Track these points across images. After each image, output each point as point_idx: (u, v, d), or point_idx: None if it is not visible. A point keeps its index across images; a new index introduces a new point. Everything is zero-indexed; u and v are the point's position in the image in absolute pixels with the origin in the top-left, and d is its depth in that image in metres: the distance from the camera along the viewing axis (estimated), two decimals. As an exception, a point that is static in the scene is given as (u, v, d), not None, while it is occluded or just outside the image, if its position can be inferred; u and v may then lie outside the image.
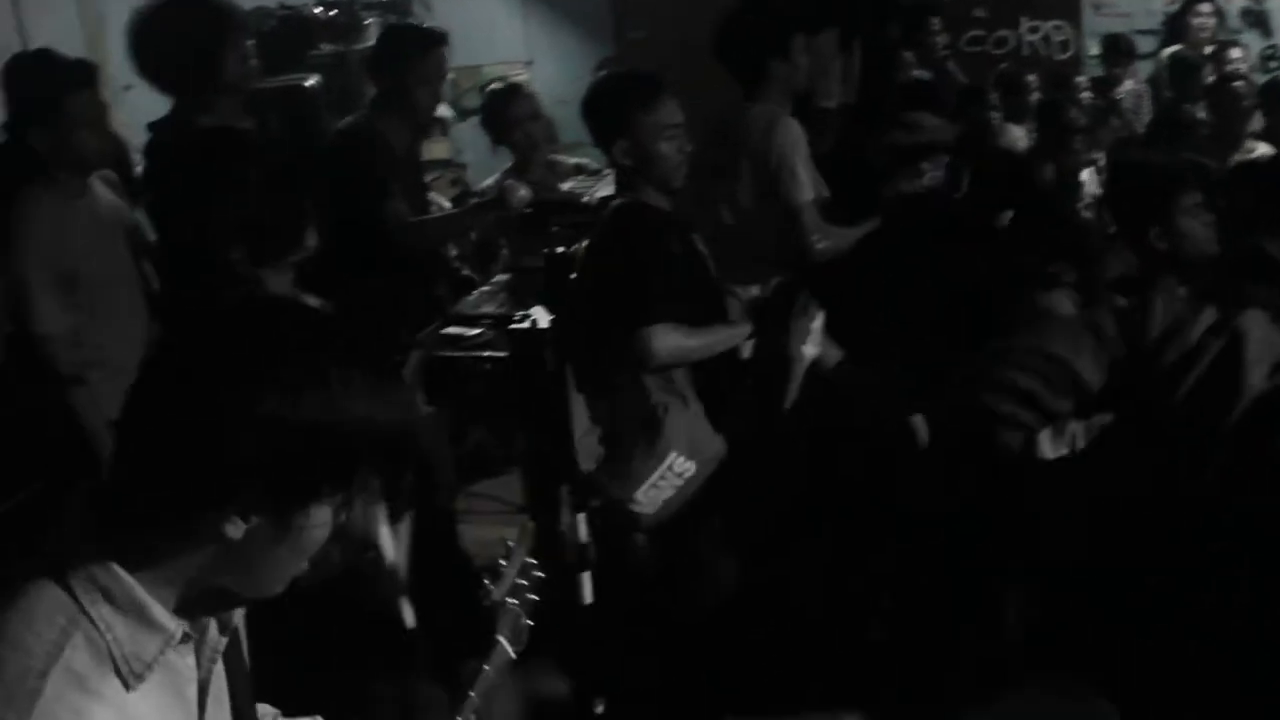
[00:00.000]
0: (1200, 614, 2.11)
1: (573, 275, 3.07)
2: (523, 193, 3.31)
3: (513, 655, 1.53)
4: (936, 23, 5.45)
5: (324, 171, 3.33)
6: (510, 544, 1.60)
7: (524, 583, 1.58)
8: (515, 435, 4.11)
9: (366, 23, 6.21)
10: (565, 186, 3.34)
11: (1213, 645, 2.03)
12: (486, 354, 3.40)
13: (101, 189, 3.11)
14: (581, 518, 2.98)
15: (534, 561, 1.61)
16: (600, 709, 2.88)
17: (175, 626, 1.08)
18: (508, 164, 4.56)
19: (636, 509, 2.82)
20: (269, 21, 5.04)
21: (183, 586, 1.08)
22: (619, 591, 2.86)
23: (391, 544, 2.50)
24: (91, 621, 1.03)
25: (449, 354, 3.44)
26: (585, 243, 3.02)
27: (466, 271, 4.15)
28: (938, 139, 3.72)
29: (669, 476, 2.81)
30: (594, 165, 4.47)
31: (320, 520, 1.08)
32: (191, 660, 1.15)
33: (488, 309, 3.68)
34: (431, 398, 3.53)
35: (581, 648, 3.08)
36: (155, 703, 1.08)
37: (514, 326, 3.26)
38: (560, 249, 3.09)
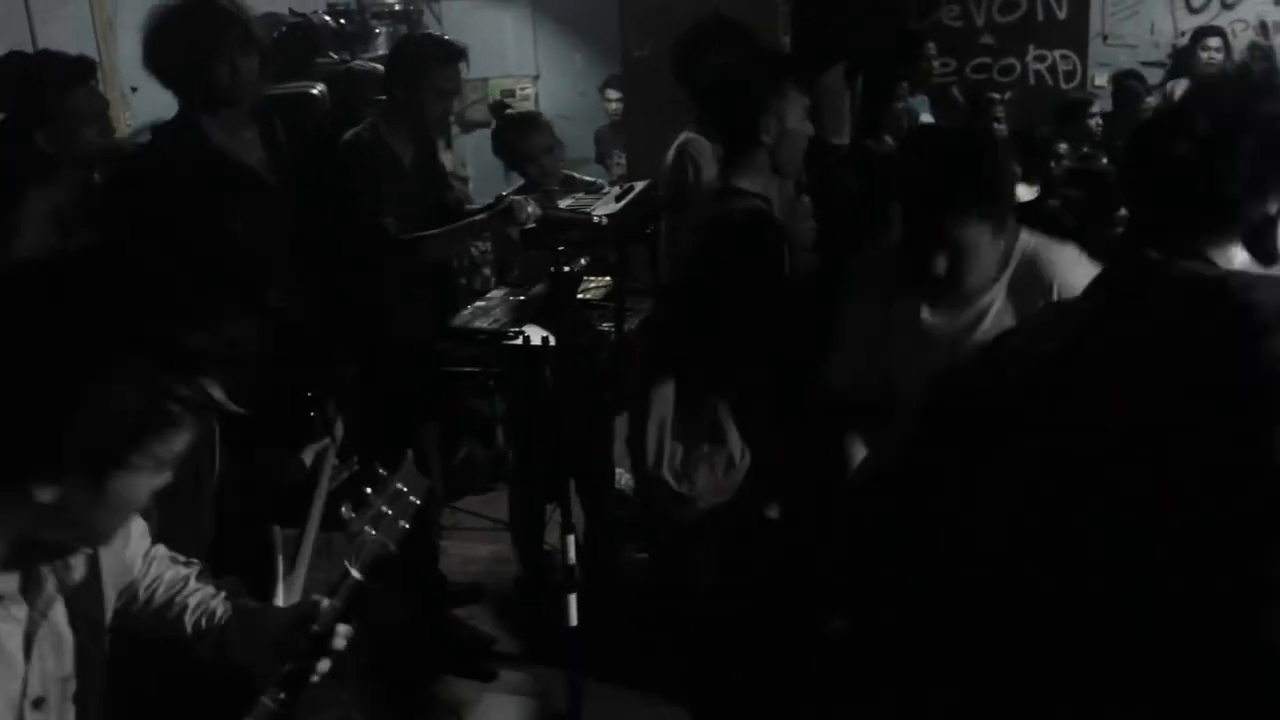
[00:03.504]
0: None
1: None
2: (531, 208, 3.23)
3: (359, 579, 1.52)
4: (932, 48, 5.47)
5: (327, 182, 3.30)
6: (382, 473, 1.59)
7: (390, 512, 1.56)
8: (506, 452, 4.10)
9: (376, 32, 6.21)
10: (564, 204, 3.26)
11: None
12: (479, 369, 3.36)
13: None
14: (570, 539, 2.97)
15: (407, 490, 1.59)
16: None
17: None
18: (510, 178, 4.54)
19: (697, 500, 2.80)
20: (278, 28, 5.02)
21: (9, 543, 1.19)
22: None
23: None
24: None
25: (442, 368, 3.39)
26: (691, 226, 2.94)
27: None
28: None
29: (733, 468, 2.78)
30: (601, 183, 4.46)
31: (134, 484, 1.16)
32: (22, 614, 1.25)
33: (481, 324, 3.62)
34: (424, 411, 3.49)
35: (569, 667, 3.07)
36: None
37: (508, 343, 3.23)
38: (566, 267, 3.05)
